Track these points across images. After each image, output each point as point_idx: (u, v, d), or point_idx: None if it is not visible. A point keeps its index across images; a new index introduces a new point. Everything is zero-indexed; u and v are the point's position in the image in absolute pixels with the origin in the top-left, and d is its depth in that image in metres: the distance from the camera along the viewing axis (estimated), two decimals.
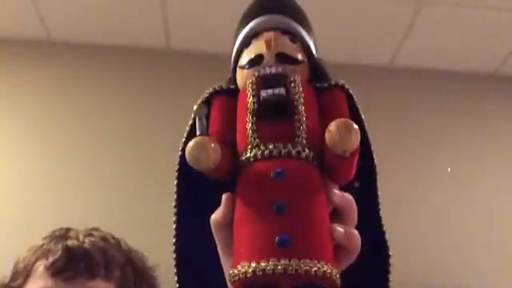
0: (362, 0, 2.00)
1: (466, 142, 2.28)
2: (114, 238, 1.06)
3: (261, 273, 0.40)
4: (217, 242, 0.48)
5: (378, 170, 0.52)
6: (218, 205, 0.47)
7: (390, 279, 0.51)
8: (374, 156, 0.51)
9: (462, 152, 2.26)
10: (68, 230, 1.04)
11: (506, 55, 2.26)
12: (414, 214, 2.13)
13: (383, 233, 0.51)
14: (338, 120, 0.43)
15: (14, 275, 1.01)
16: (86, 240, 1.00)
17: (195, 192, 0.51)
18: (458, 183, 2.21)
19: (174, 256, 0.52)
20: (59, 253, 0.97)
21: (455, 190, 2.20)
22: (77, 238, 1.01)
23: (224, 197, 0.47)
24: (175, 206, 0.52)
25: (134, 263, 1.05)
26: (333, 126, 0.43)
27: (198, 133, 0.47)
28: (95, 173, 2.07)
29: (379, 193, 0.52)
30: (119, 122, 2.15)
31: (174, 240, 0.52)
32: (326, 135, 0.43)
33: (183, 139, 0.51)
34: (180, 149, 0.50)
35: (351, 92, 0.50)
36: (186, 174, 0.50)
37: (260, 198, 0.44)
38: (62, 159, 2.08)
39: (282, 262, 0.40)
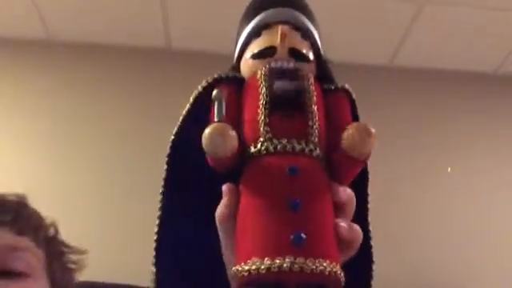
0: (361, 0, 2.00)
1: (466, 142, 2.28)
2: None
3: (276, 269, 0.39)
4: (223, 235, 0.45)
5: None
6: (207, 198, 0.45)
7: (372, 285, 0.50)
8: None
9: (462, 152, 2.26)
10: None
11: (506, 55, 2.26)
12: (414, 214, 2.13)
13: (369, 238, 0.50)
14: (359, 123, 0.43)
15: None
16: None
17: (184, 183, 0.49)
18: (457, 183, 2.20)
19: (154, 250, 0.49)
20: None
21: (455, 190, 2.20)
22: None
23: (226, 188, 0.44)
24: (161, 201, 0.50)
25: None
26: (353, 129, 0.43)
27: (215, 119, 0.45)
28: (95, 173, 2.07)
29: (369, 193, 0.51)
30: (119, 122, 2.15)
31: (155, 237, 0.50)
32: (345, 137, 0.43)
33: (177, 126, 0.49)
34: (172, 136, 0.49)
35: (354, 97, 0.50)
36: (176, 166, 0.48)
37: (274, 193, 0.42)
38: (61, 159, 2.08)
39: (298, 260, 0.39)
